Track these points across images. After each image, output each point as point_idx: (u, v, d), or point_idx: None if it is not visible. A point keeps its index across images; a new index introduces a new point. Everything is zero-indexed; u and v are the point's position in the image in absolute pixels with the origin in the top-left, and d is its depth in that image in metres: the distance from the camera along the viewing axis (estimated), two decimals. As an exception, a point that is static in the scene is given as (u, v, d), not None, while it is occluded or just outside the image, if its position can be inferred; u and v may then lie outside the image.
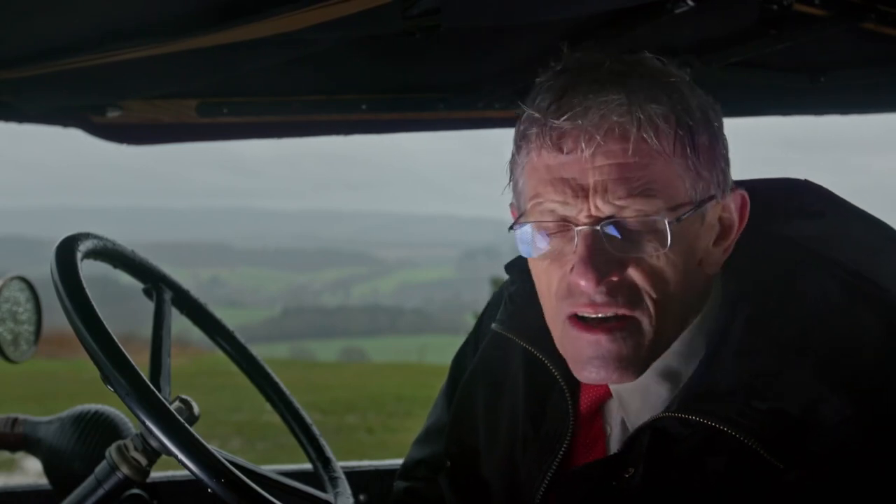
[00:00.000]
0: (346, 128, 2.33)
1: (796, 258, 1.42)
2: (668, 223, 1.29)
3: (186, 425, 1.36)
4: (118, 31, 1.55)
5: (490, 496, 1.59)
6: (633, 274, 1.32)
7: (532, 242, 1.37)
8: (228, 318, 1.97)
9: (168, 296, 1.76)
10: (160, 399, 1.37)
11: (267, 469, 1.66)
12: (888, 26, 1.81)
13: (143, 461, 1.51)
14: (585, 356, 1.35)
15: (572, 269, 1.32)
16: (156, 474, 1.88)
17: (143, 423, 1.35)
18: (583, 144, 1.29)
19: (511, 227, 1.40)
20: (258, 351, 1.95)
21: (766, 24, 1.84)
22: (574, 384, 1.49)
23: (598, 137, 1.28)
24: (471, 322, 1.82)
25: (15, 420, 1.89)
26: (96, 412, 1.83)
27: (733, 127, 1.45)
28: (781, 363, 1.31)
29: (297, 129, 2.34)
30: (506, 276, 1.66)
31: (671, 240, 1.30)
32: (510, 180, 1.42)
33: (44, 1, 1.44)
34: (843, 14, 1.78)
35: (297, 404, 1.91)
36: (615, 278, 1.31)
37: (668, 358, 1.39)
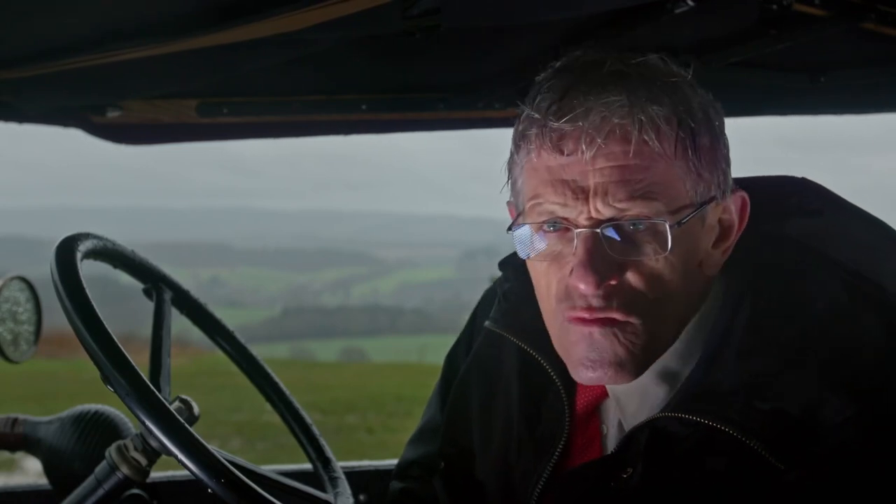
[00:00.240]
0: (346, 128, 2.33)
1: (797, 258, 1.42)
2: (669, 226, 1.29)
3: (186, 425, 1.36)
4: (118, 31, 1.55)
5: (485, 497, 1.59)
6: (632, 277, 1.31)
7: (530, 243, 1.36)
8: (228, 318, 1.97)
9: (168, 296, 1.76)
10: (160, 399, 1.37)
11: (267, 469, 1.66)
12: (888, 26, 1.81)
13: (143, 461, 1.51)
14: (583, 357, 1.34)
15: (571, 271, 1.31)
16: (156, 474, 1.88)
17: (143, 423, 1.35)
18: (583, 146, 1.28)
19: (510, 228, 1.39)
20: (258, 351, 1.95)
21: (766, 24, 1.84)
22: (570, 384, 1.49)
23: (599, 139, 1.27)
24: (470, 322, 1.81)
25: (15, 420, 1.89)
26: (96, 412, 1.83)
27: (733, 127, 1.45)
28: (782, 363, 1.31)
29: (297, 129, 2.34)
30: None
31: (671, 242, 1.29)
32: (508, 179, 1.42)
33: (44, 1, 1.44)
34: (843, 14, 1.78)
35: (297, 404, 1.91)
36: (614, 282, 1.30)
37: (666, 358, 1.38)
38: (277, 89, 2.16)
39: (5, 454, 2.03)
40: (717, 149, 1.36)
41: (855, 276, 1.40)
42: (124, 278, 1.77)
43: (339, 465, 1.85)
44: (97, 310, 1.41)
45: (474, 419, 1.64)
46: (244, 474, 1.36)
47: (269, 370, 1.92)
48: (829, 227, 1.46)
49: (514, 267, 1.58)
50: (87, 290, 1.44)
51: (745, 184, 1.43)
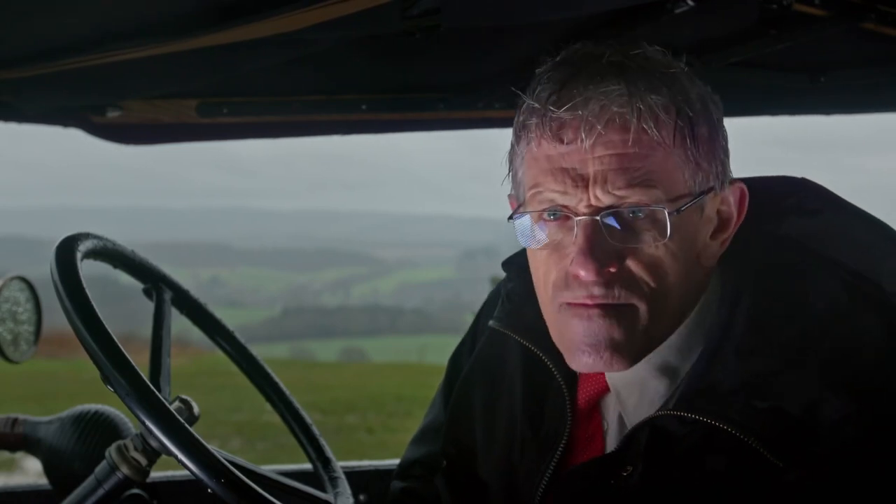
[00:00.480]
0: (345, 128, 2.33)
1: (797, 258, 1.42)
2: (668, 213, 1.30)
3: (186, 425, 1.36)
4: (118, 31, 1.55)
5: (487, 496, 1.59)
6: (632, 264, 1.32)
7: (531, 233, 1.37)
8: (228, 318, 1.97)
9: (168, 296, 1.77)
10: (160, 399, 1.37)
11: (267, 469, 1.66)
12: (888, 26, 1.82)
13: (143, 461, 1.51)
14: (578, 341, 1.35)
15: (571, 260, 1.32)
16: (156, 474, 1.88)
17: (143, 423, 1.35)
18: (583, 134, 1.29)
19: (510, 217, 1.40)
20: (258, 351, 1.95)
21: (766, 24, 1.84)
22: (572, 379, 1.49)
23: (599, 127, 1.28)
24: (470, 322, 1.81)
25: (15, 420, 1.89)
26: (96, 412, 1.83)
27: (732, 127, 1.46)
28: (782, 363, 1.31)
29: (296, 129, 2.34)
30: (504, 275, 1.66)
31: (670, 230, 1.30)
32: (509, 171, 1.43)
33: (44, 1, 1.44)
34: (843, 14, 1.78)
35: (297, 404, 1.91)
36: (613, 269, 1.31)
37: (664, 352, 1.39)
38: (277, 89, 2.16)
39: (5, 454, 2.03)
40: (716, 140, 1.37)
41: (855, 275, 1.40)
42: (124, 278, 1.77)
43: (339, 465, 1.85)
44: (97, 310, 1.41)
45: (477, 419, 1.64)
46: (244, 474, 1.36)
47: (269, 370, 1.92)
48: (828, 226, 1.46)
49: (517, 267, 1.58)
50: (87, 290, 1.44)
51: (745, 183, 1.43)
